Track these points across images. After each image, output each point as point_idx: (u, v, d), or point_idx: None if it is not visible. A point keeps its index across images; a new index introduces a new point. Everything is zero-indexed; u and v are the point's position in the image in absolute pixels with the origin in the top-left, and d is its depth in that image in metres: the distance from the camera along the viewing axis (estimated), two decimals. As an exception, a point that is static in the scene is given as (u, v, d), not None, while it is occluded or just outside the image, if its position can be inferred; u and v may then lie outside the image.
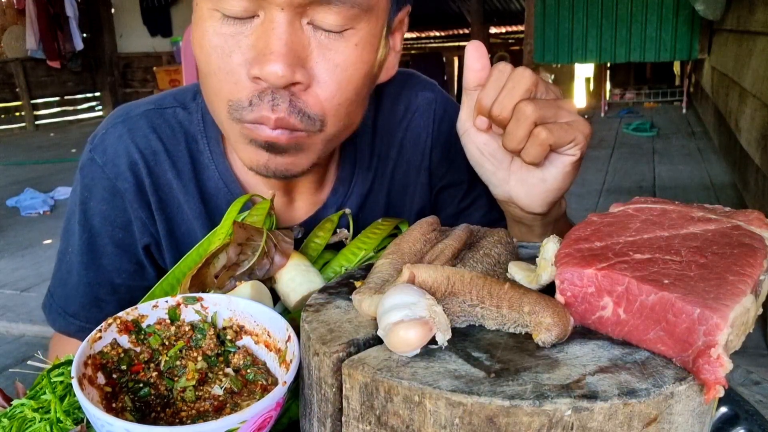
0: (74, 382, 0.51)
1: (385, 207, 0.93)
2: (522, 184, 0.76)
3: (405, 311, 0.45)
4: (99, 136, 0.85)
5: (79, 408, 0.61)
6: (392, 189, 0.94)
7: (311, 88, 0.68)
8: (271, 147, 0.70)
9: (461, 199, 0.99)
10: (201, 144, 0.85)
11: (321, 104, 0.69)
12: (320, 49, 0.67)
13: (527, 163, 0.71)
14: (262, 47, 0.65)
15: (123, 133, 0.84)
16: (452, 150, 0.95)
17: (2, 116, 9.16)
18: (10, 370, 2.68)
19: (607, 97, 8.36)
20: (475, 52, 0.74)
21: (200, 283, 0.65)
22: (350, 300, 0.54)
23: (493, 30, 10.83)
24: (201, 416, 0.54)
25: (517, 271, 0.56)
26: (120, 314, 0.58)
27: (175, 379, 0.57)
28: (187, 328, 0.59)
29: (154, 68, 9.37)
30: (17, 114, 9.34)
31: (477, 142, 0.77)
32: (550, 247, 0.54)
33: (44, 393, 0.63)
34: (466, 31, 10.41)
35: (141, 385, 0.56)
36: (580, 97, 9.60)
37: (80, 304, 0.88)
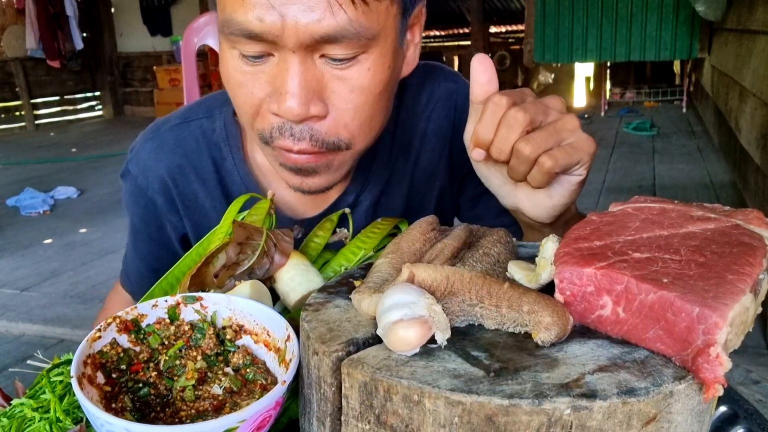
0: (74, 382, 0.51)
1: (408, 192, 0.99)
2: (529, 199, 0.76)
3: (404, 310, 0.45)
4: (135, 150, 0.95)
5: (79, 407, 0.62)
6: (416, 175, 0.98)
7: (330, 115, 0.73)
8: (300, 171, 0.77)
9: (478, 184, 1.00)
10: (224, 151, 0.93)
11: (344, 129, 0.74)
12: (335, 79, 0.71)
13: (534, 188, 0.71)
14: (279, 86, 0.70)
15: (153, 149, 0.94)
16: None
17: (2, 116, 9.15)
18: (9, 369, 2.68)
19: (607, 96, 8.36)
20: (480, 65, 0.72)
21: (200, 283, 0.65)
22: (350, 299, 0.54)
23: (493, 29, 10.83)
24: (200, 416, 0.54)
25: (516, 270, 0.56)
26: (119, 313, 0.58)
27: (175, 378, 0.57)
28: (186, 328, 0.59)
29: (154, 67, 9.37)
30: (17, 113, 9.33)
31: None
32: (549, 246, 0.54)
33: (44, 392, 0.63)
34: (466, 30, 10.40)
35: (140, 384, 0.56)
36: (580, 97, 9.59)
37: (133, 271, 1.05)
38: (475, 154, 0.71)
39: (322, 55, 0.70)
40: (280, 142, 0.74)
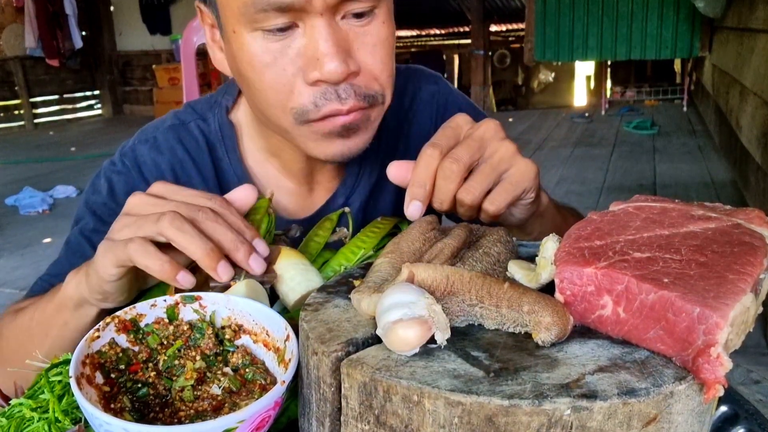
0: (72, 382, 0.51)
1: (396, 194, 0.99)
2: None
3: (404, 310, 0.45)
4: (128, 146, 0.94)
5: (78, 407, 0.61)
6: None
7: (362, 71, 0.76)
8: (345, 132, 0.78)
9: None
10: (220, 151, 0.94)
11: (376, 82, 0.77)
12: (357, 37, 0.75)
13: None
14: (313, 52, 0.73)
15: (152, 146, 0.94)
16: None
17: (1, 115, 9.15)
18: (8, 369, 2.68)
19: (608, 95, 8.36)
20: (398, 172, 0.72)
21: (198, 282, 0.65)
22: (349, 299, 0.54)
23: (493, 28, 10.80)
24: (199, 416, 0.54)
25: (516, 270, 0.56)
26: (118, 313, 0.58)
27: (174, 378, 0.57)
28: (185, 328, 0.59)
29: (154, 66, 9.37)
30: (16, 112, 9.33)
31: None
32: (549, 245, 0.54)
33: (42, 392, 0.63)
34: (467, 28, 10.38)
35: (139, 384, 0.56)
36: (580, 95, 9.59)
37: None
38: (412, 208, 0.68)
39: (344, 16, 0.73)
40: (327, 107, 0.75)
